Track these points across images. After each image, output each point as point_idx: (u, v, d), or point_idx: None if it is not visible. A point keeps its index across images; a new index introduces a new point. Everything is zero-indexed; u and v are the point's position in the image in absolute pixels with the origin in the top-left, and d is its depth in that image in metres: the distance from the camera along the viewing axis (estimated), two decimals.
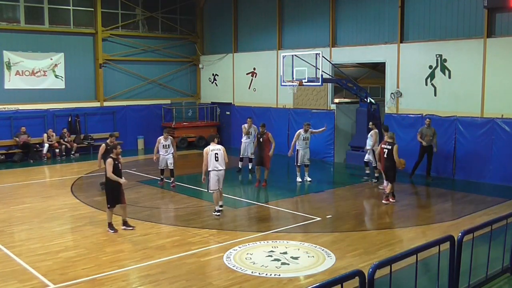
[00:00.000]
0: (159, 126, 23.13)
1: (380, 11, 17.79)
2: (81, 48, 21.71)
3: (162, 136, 14.71)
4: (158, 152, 14.60)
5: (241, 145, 16.89)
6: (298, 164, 15.26)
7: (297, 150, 15.09)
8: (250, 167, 16.67)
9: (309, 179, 15.35)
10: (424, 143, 15.04)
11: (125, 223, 10.48)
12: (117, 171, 10.29)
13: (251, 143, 16.35)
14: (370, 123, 15.57)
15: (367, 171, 15.45)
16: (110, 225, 10.35)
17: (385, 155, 12.36)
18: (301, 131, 15.12)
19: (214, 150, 11.39)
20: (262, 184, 14.43)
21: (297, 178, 15.37)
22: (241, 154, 16.88)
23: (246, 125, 16.71)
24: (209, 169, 11.35)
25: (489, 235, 6.47)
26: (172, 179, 14.66)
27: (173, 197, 13.52)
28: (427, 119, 15.38)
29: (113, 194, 10.34)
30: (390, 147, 12.35)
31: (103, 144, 13.25)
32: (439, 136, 15.70)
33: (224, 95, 23.91)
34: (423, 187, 14.72)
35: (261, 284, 7.60)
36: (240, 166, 16.99)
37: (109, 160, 10.25)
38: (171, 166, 14.57)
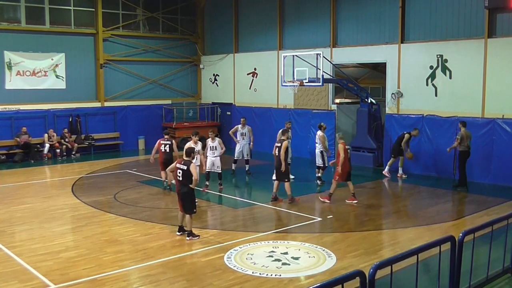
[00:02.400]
0: (160, 126, 23.13)
1: (380, 12, 17.79)
2: (82, 48, 21.73)
3: (210, 139, 13.83)
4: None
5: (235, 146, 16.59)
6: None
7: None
8: (247, 169, 16.51)
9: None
10: (459, 149, 14.30)
11: (181, 229, 10.12)
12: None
13: (247, 144, 16.32)
14: (322, 124, 15.08)
15: (319, 174, 15.15)
16: (192, 233, 9.92)
17: None
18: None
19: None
20: (296, 200, 12.78)
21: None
22: (235, 156, 16.46)
23: (239, 126, 16.45)
24: None
25: (490, 235, 6.46)
26: (220, 181, 14.13)
27: (173, 198, 13.46)
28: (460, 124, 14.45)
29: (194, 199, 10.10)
30: None
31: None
32: (440, 136, 15.72)
33: (224, 95, 23.92)
34: (423, 187, 14.70)
35: (262, 285, 7.60)
36: (233, 168, 16.62)
37: (193, 164, 9.93)
38: (218, 170, 13.81)
